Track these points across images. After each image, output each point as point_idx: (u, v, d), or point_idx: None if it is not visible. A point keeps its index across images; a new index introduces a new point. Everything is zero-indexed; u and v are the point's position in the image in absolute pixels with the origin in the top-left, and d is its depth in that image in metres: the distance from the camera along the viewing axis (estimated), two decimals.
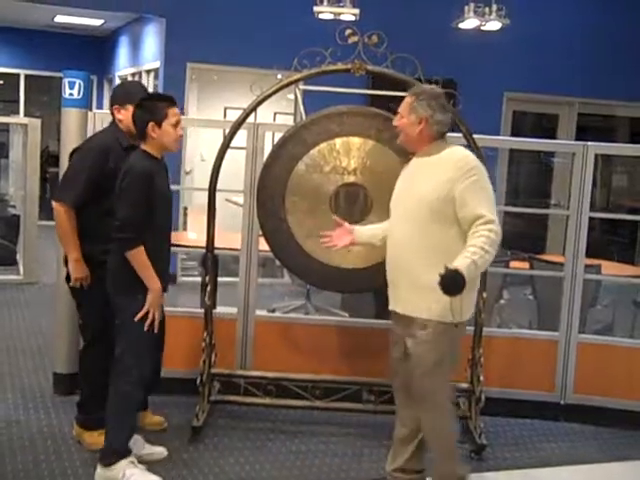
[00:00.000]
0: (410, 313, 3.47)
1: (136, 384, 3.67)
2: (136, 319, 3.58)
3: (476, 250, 3.21)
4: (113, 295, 3.69)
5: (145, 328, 3.60)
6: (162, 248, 3.73)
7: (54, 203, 3.93)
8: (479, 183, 3.36)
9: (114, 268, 3.68)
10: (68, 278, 4.04)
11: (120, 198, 3.58)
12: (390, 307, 3.61)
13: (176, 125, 3.68)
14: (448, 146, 3.50)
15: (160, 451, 4.01)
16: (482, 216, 3.28)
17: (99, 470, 3.67)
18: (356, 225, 3.95)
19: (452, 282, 3.11)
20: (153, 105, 3.66)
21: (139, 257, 3.55)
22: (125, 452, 3.68)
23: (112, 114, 4.09)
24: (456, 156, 3.44)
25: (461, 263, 3.15)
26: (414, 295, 3.45)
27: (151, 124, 3.61)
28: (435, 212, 3.36)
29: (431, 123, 3.45)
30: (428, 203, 3.37)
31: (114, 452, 3.66)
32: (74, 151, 4.13)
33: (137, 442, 3.87)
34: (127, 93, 4.10)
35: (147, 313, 3.60)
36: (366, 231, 3.86)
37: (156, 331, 3.67)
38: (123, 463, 3.65)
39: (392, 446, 3.76)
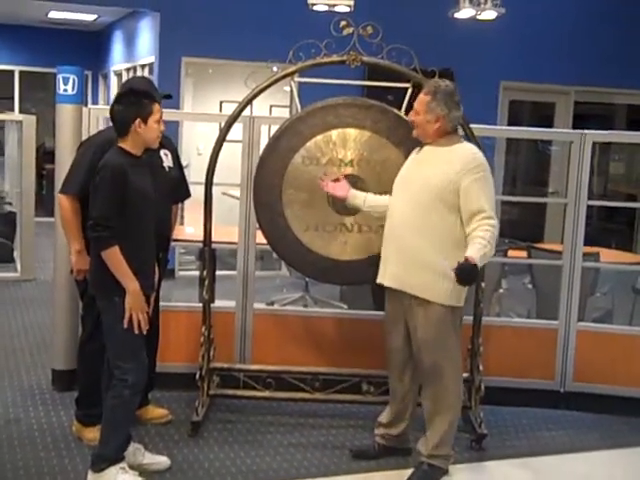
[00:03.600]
0: (405, 290, 3.75)
1: (133, 388, 3.57)
2: (125, 326, 3.47)
3: (485, 243, 3.51)
4: (95, 296, 3.61)
5: (135, 331, 3.49)
6: (143, 249, 3.59)
7: (58, 195, 3.98)
8: (484, 180, 3.64)
9: (92, 268, 3.60)
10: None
11: (94, 196, 3.47)
12: (379, 280, 3.88)
13: (159, 121, 3.62)
14: (460, 140, 3.81)
15: (162, 461, 3.88)
16: (484, 211, 3.57)
17: (90, 476, 3.60)
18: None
19: (468, 274, 3.44)
20: (139, 101, 3.56)
21: (114, 257, 3.42)
22: (116, 458, 3.59)
23: None
24: (468, 152, 3.73)
25: (474, 253, 3.46)
26: (407, 271, 3.73)
27: (138, 120, 3.51)
28: (439, 199, 3.63)
29: (447, 120, 3.72)
30: (434, 190, 3.63)
31: (105, 458, 3.58)
32: (81, 144, 4.18)
33: (137, 451, 3.80)
34: None
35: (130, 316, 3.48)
36: (360, 194, 4.07)
37: (144, 332, 3.54)
38: (114, 470, 3.57)
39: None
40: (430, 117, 3.70)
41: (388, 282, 3.82)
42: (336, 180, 4.11)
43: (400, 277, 3.76)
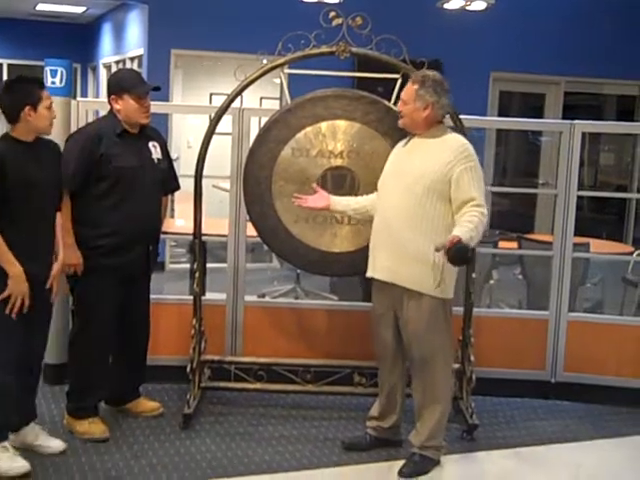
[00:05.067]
0: (397, 282, 3.73)
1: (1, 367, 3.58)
2: (7, 311, 3.47)
3: (472, 227, 3.50)
4: None
5: (13, 315, 3.49)
6: (32, 235, 3.57)
7: None
8: (475, 169, 3.66)
9: None
10: None
11: None
12: (369, 274, 3.86)
13: (49, 107, 3.62)
14: (448, 131, 3.80)
15: (57, 445, 3.87)
16: (474, 199, 3.59)
17: None
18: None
19: (461, 252, 3.38)
20: (27, 88, 3.57)
21: None
22: None
23: (110, 103, 4.07)
24: (458, 142, 3.73)
25: (462, 234, 3.43)
26: (399, 263, 3.71)
27: (27, 107, 3.52)
28: (431, 189, 3.63)
29: (437, 108, 3.72)
30: (427, 180, 3.63)
31: None
32: (68, 137, 4.16)
33: (30, 431, 3.81)
34: (123, 82, 4.09)
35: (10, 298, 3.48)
36: (342, 200, 4.06)
37: (24, 322, 3.53)
38: None
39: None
40: (419, 104, 3.69)
41: (379, 275, 3.81)
42: (314, 192, 4.09)
43: (391, 270, 3.75)
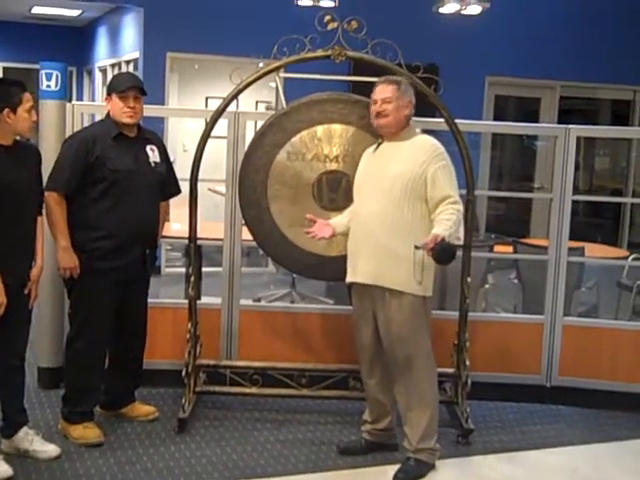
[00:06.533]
0: (379, 284, 3.75)
1: None
2: None
3: (450, 224, 3.58)
4: None
5: None
6: (10, 240, 3.54)
7: (45, 193, 3.93)
8: (447, 168, 3.75)
9: None
10: None
11: None
12: (349, 279, 3.90)
13: (30, 110, 3.59)
14: (416, 133, 3.91)
15: (52, 450, 3.85)
16: (450, 196, 3.68)
17: None
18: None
19: (444, 251, 3.45)
20: (6, 90, 3.54)
21: None
22: None
23: None
24: (428, 143, 3.81)
25: (441, 232, 3.50)
26: (382, 266, 3.73)
27: (6, 110, 3.49)
28: (408, 190, 3.69)
29: (413, 108, 3.84)
30: (403, 181, 3.69)
31: None
32: (65, 140, 4.18)
33: (24, 437, 3.80)
34: (112, 83, 4.16)
35: None
36: (340, 220, 4.06)
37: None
38: None
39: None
40: (402, 103, 3.77)
41: (360, 279, 3.84)
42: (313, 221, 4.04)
43: (373, 273, 3.77)
